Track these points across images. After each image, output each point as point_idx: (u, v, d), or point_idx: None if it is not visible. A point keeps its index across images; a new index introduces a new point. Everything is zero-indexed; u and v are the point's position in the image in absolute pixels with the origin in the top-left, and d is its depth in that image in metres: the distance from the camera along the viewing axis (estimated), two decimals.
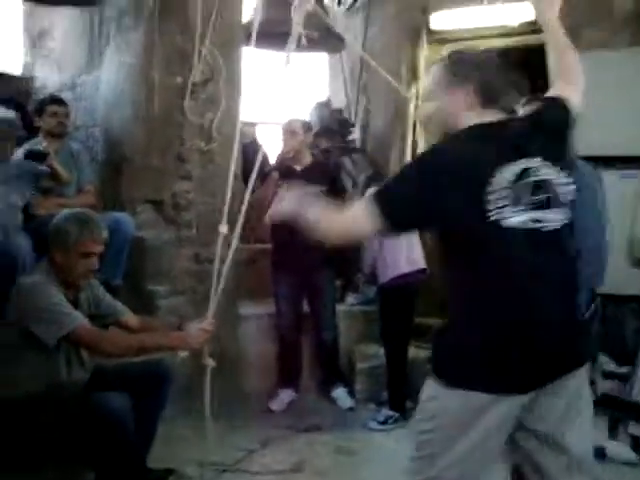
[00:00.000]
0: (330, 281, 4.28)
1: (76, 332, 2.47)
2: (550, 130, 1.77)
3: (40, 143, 3.67)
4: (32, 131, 3.84)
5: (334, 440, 3.66)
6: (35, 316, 2.45)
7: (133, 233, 3.75)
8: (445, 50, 5.14)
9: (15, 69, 4.73)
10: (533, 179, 1.65)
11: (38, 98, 4.05)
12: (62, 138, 3.83)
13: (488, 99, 1.73)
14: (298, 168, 4.20)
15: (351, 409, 4.15)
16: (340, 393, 4.25)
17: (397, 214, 1.66)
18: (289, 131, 4.16)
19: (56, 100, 3.86)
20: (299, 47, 2.61)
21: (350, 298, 4.79)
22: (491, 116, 1.74)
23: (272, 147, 4.72)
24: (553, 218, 1.67)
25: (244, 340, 4.30)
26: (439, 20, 4.97)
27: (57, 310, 2.47)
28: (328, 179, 4.18)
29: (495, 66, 1.80)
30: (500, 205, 1.61)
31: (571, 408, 1.71)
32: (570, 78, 1.90)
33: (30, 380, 2.51)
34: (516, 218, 1.62)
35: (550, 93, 1.89)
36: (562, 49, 1.92)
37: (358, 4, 5.65)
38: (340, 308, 4.53)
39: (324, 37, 4.97)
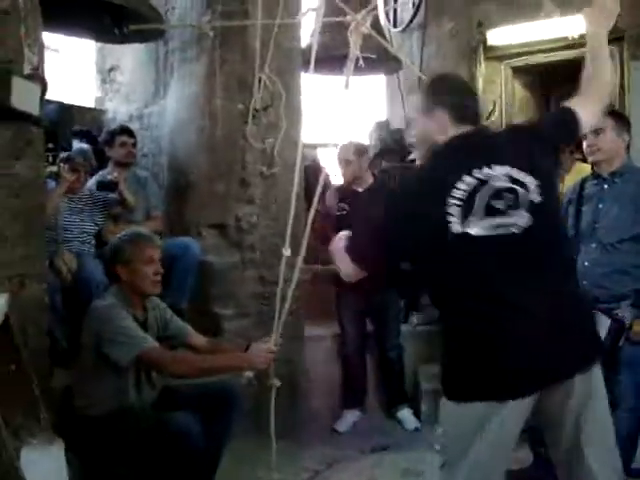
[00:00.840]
0: (393, 301, 4.28)
1: (146, 353, 2.56)
2: (538, 138, 1.89)
3: (111, 173, 3.84)
4: (102, 161, 4.03)
5: (401, 461, 3.63)
6: (107, 338, 2.55)
7: (200, 257, 3.86)
8: (504, 66, 5.13)
9: (88, 103, 4.97)
10: (497, 185, 1.74)
11: (108, 129, 4.21)
12: (130, 167, 4.02)
13: (461, 117, 1.88)
14: (360, 189, 4.22)
15: (417, 429, 4.12)
16: (405, 414, 4.22)
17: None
18: (343, 160, 4.16)
19: (125, 131, 4.04)
20: (357, 70, 2.64)
21: (414, 318, 4.76)
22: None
23: (333, 168, 4.75)
24: (517, 222, 1.73)
25: (310, 361, 4.32)
26: (496, 36, 4.94)
27: (128, 333, 2.56)
28: None
29: (463, 87, 2.02)
30: (462, 214, 1.72)
31: (584, 409, 1.75)
32: (591, 91, 1.98)
33: (104, 400, 2.61)
34: (480, 225, 1.72)
35: (565, 103, 1.98)
36: (599, 64, 1.99)
37: (414, 24, 5.68)
38: (404, 328, 4.51)
39: (381, 59, 5.02)
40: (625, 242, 2.96)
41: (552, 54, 4.64)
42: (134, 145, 4.05)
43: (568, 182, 3.90)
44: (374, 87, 6.54)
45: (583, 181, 3.21)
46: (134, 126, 4.32)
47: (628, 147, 3.17)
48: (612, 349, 2.90)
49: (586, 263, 3.01)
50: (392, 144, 5.37)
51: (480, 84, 5.03)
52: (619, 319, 2.91)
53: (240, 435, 3.44)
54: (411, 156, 5.46)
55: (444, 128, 1.88)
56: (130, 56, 4.70)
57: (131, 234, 2.81)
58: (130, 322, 2.60)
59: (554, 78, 5.12)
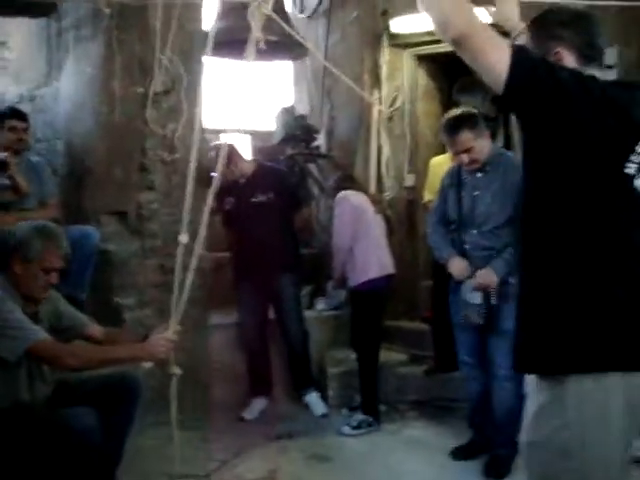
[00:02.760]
0: (292, 285, 4.23)
1: (36, 347, 2.43)
2: None
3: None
4: None
5: (308, 447, 3.65)
6: None
7: (98, 246, 3.71)
8: (406, 54, 5.20)
9: None
10: None
11: None
12: (21, 153, 3.75)
13: (590, 59, 1.61)
14: (241, 180, 4.17)
15: (324, 415, 4.14)
16: (313, 398, 4.23)
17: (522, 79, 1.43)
18: (231, 159, 3.99)
19: (15, 114, 3.78)
20: (261, 53, 2.59)
21: (320, 304, 4.78)
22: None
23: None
24: None
25: (216, 349, 4.27)
26: (400, 24, 4.99)
27: (16, 325, 2.43)
28: (277, 182, 4.22)
29: (592, 21, 1.67)
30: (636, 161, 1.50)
31: None
32: None
33: None
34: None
35: None
36: None
37: (319, 11, 5.67)
38: (310, 314, 4.53)
39: (287, 44, 4.98)
40: (501, 228, 3.19)
41: None
42: (26, 130, 3.78)
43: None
44: (280, 73, 6.50)
45: (459, 167, 3.39)
46: (25, 108, 4.08)
47: (494, 135, 3.33)
48: (489, 308, 3.15)
49: (467, 246, 3.29)
50: (297, 130, 5.35)
51: (384, 72, 5.08)
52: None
53: (144, 427, 3.37)
54: (316, 142, 5.48)
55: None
56: (19, 32, 4.44)
57: (43, 232, 2.64)
58: (18, 314, 2.47)
59: (457, 66, 5.22)
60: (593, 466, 1.46)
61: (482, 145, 3.24)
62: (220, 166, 2.39)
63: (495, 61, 1.41)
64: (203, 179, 2.88)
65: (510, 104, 1.51)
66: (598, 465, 1.47)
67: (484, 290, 3.15)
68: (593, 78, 1.53)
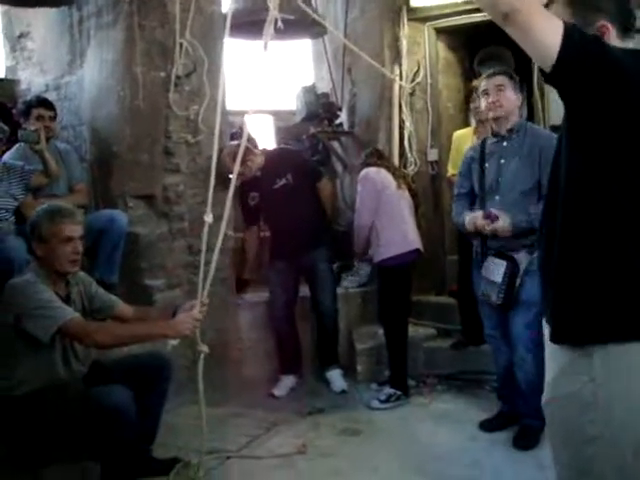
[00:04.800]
0: (325, 260, 4.25)
1: (67, 325, 2.49)
2: None
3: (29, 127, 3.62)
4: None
5: (338, 422, 3.70)
6: (27, 314, 2.48)
7: (127, 229, 3.78)
8: (427, 28, 5.15)
9: None
10: None
11: (25, 100, 4.03)
12: (48, 141, 3.76)
13: (628, 30, 1.58)
14: (258, 174, 4.19)
15: (343, 391, 4.16)
16: (334, 375, 4.26)
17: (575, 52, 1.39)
18: (248, 155, 3.92)
19: (42, 102, 3.83)
20: (279, 33, 2.61)
21: (346, 281, 4.81)
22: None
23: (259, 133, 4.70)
24: None
25: (245, 328, 4.34)
26: None
27: (47, 306, 2.49)
28: (291, 162, 4.24)
29: None
30: None
31: None
32: None
33: (29, 378, 2.54)
34: None
35: None
36: None
37: None
38: (338, 291, 4.56)
39: (305, 23, 4.97)
40: (525, 194, 3.19)
41: (475, 15, 4.66)
42: (52, 118, 3.84)
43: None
44: (300, 52, 6.48)
45: (483, 141, 3.45)
46: (51, 97, 4.14)
47: (521, 107, 3.41)
48: (508, 290, 3.16)
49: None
50: (319, 108, 5.35)
51: (404, 46, 5.05)
52: (514, 259, 3.17)
53: (179, 405, 3.46)
54: (338, 120, 5.48)
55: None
56: (41, 22, 4.49)
57: (48, 210, 2.69)
58: (49, 295, 2.53)
59: (477, 39, 5.18)
60: (619, 418, 1.45)
61: (511, 97, 3.26)
62: (237, 168, 2.42)
63: (546, 36, 1.37)
64: (222, 181, 2.91)
65: (559, 80, 1.45)
66: (624, 417, 1.45)
67: (509, 269, 3.14)
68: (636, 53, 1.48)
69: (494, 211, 3.20)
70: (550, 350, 1.60)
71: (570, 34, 1.38)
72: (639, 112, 1.43)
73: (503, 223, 3.16)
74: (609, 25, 1.54)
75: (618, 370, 1.46)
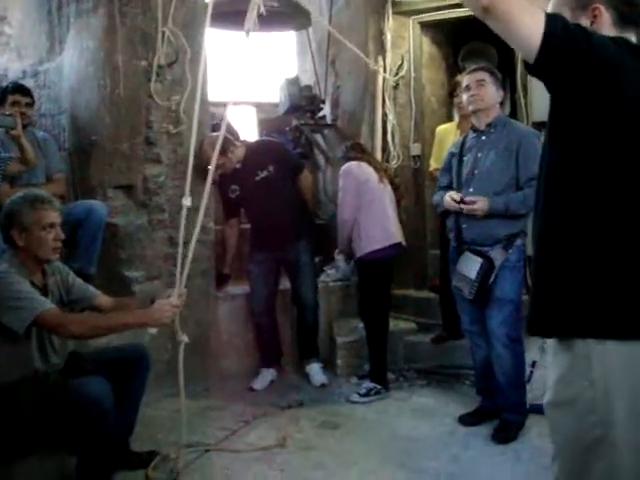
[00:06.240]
0: (307, 252, 4.23)
1: (42, 316, 2.45)
2: None
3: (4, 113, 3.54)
4: None
5: (317, 415, 3.69)
6: (1, 306, 2.43)
7: (106, 220, 3.73)
8: (411, 22, 5.13)
9: None
10: None
11: (0, 86, 3.94)
12: (25, 129, 3.65)
13: (627, 19, 1.56)
14: (239, 166, 4.15)
15: (323, 385, 4.15)
16: (314, 368, 4.25)
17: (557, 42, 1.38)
18: (227, 148, 3.94)
19: (18, 89, 3.74)
20: (263, 24, 2.58)
21: (327, 274, 4.79)
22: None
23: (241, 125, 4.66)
24: None
25: (225, 320, 4.31)
26: None
27: (22, 297, 2.45)
28: (272, 154, 4.20)
29: None
30: None
31: None
32: None
33: (5, 370, 2.49)
34: None
35: None
36: None
37: None
38: (318, 285, 4.55)
39: (290, 13, 4.93)
40: (500, 186, 3.23)
41: (460, 10, 4.65)
42: (29, 105, 3.75)
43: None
44: (284, 44, 6.45)
45: (465, 137, 3.51)
46: (29, 83, 4.07)
47: (502, 103, 3.49)
48: (482, 287, 3.20)
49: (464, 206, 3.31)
50: (303, 101, 5.32)
51: (388, 39, 5.03)
52: (489, 258, 3.21)
53: (158, 398, 3.42)
54: (321, 112, 5.45)
55: (600, 31, 1.51)
56: (18, 5, 4.40)
57: (26, 197, 2.64)
58: (25, 286, 2.49)
59: (462, 35, 5.18)
60: (620, 419, 1.46)
61: (492, 92, 3.31)
62: (215, 160, 2.40)
63: (528, 27, 1.36)
64: (203, 172, 2.89)
65: (543, 72, 1.44)
66: (625, 418, 1.46)
67: (483, 268, 3.17)
68: (627, 43, 1.47)
69: (470, 198, 3.24)
70: (552, 353, 1.60)
71: (552, 24, 1.37)
72: (623, 101, 1.43)
73: (481, 203, 3.20)
74: (602, 9, 1.53)
75: (617, 372, 1.46)
